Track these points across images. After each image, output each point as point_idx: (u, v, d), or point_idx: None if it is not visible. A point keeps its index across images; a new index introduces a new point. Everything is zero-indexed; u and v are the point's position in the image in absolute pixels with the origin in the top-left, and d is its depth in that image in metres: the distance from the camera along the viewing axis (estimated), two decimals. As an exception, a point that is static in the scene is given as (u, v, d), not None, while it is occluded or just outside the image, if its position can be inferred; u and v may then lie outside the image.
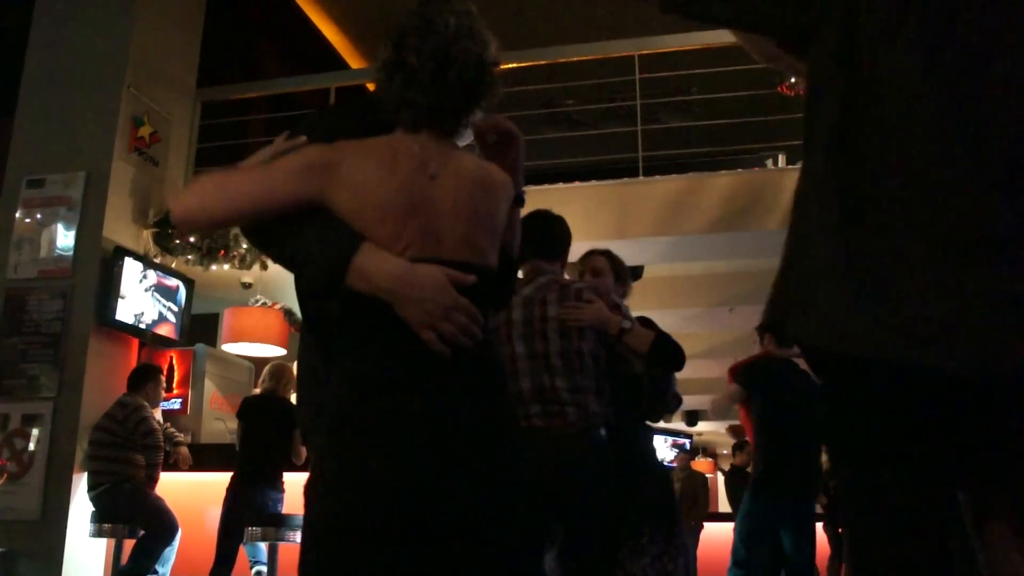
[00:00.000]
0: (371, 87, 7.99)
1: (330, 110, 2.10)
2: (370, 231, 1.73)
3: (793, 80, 5.82)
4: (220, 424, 7.48)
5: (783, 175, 7.08)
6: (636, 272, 7.49)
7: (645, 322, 3.58)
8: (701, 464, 15.11)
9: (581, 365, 3.15)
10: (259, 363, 7.30)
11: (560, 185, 6.93)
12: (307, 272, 1.77)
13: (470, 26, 1.85)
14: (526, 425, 3.01)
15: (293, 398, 6.54)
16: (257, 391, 6.53)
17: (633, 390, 3.51)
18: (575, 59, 7.92)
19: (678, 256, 7.59)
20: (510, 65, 7.72)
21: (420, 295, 1.70)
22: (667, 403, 3.72)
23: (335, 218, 1.74)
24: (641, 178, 7.18)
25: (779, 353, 5.32)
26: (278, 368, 6.40)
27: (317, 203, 1.74)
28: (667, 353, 3.38)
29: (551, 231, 3.46)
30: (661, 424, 14.60)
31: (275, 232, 1.78)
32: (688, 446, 15.98)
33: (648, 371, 3.46)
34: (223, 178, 1.79)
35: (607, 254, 3.90)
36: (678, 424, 15.71)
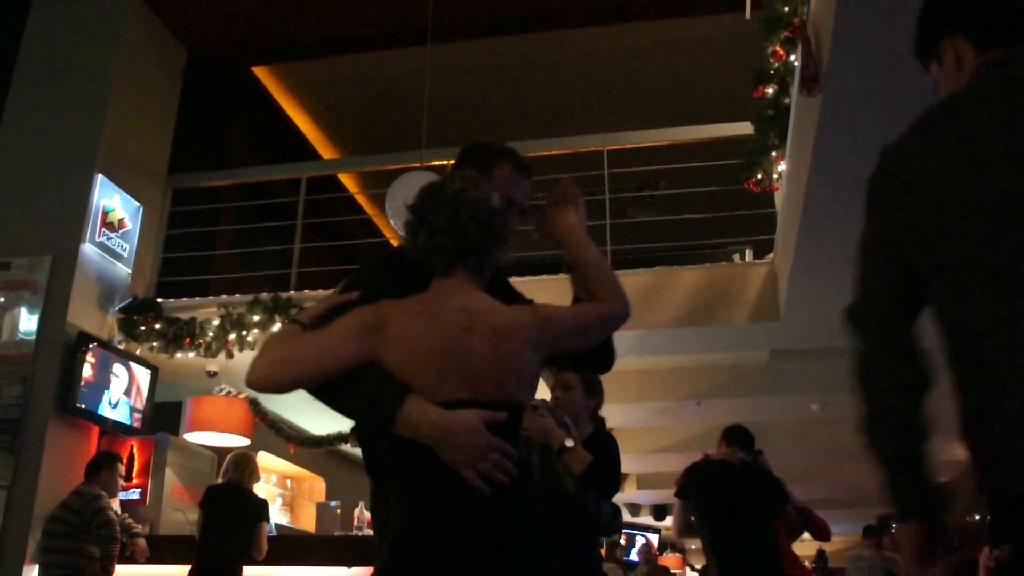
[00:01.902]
0: (342, 179, 8.00)
1: (373, 263, 2.31)
2: (415, 381, 1.94)
3: (760, 176, 5.91)
4: (180, 515, 7.31)
5: (750, 269, 7.15)
6: (604, 365, 7.51)
7: (606, 438, 3.66)
8: (669, 560, 14.92)
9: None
10: (222, 453, 7.18)
11: (528, 278, 6.95)
12: (362, 423, 2.08)
13: (474, 182, 2.10)
14: None
15: (256, 489, 6.44)
16: (220, 480, 6.41)
17: (563, 509, 3.53)
18: (544, 153, 8.02)
19: (646, 349, 7.60)
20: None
21: (459, 440, 1.88)
22: (602, 527, 3.74)
23: (385, 372, 1.95)
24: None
25: (722, 456, 5.33)
26: (241, 458, 6.30)
27: (369, 359, 1.96)
28: (596, 479, 3.46)
29: None
30: (628, 518, 14.45)
31: (335, 388, 1.98)
32: (656, 541, 15.80)
33: (578, 493, 3.49)
34: (288, 344, 2.02)
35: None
36: (645, 518, 15.58)
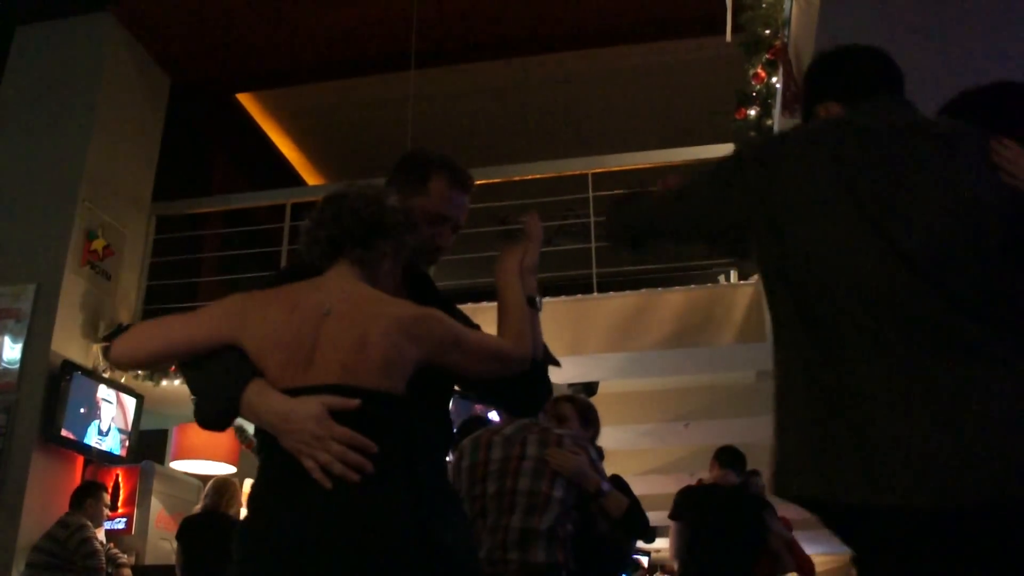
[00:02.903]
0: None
1: (283, 268, 2.33)
2: (265, 367, 1.91)
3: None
4: (166, 544, 7.25)
5: (735, 291, 7.16)
6: (591, 388, 7.50)
7: (618, 481, 3.66)
8: (659, 582, 14.85)
9: (545, 508, 3.16)
10: (208, 481, 7.13)
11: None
12: (201, 407, 1.98)
13: (370, 185, 2.13)
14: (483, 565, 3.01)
15: (242, 514, 6.37)
16: (197, 508, 6.34)
17: (595, 548, 3.53)
18: (529, 177, 8.04)
19: (632, 372, 7.61)
20: (465, 182, 7.81)
21: (295, 426, 1.81)
22: (624, 566, 3.76)
23: (240, 356, 1.92)
24: (595, 295, 7.24)
25: (714, 479, 5.35)
26: (221, 483, 6.25)
27: (232, 343, 1.94)
28: (638, 523, 3.47)
29: None
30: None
31: (189, 367, 2.00)
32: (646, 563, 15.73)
33: (613, 535, 3.49)
34: (154, 324, 2.05)
35: (572, 400, 3.95)
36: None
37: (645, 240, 2.14)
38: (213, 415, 1.96)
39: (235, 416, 1.91)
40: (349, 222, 2.03)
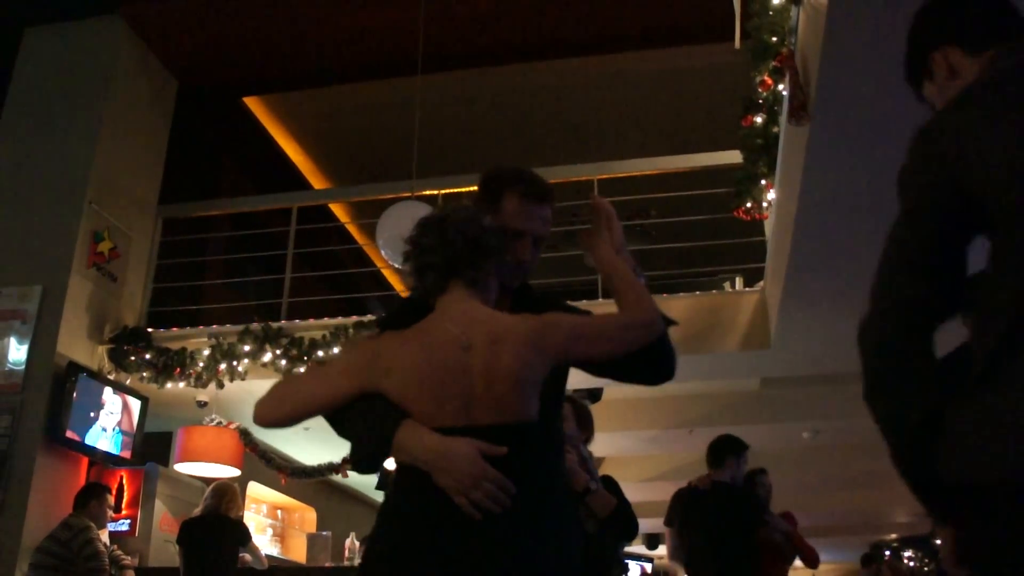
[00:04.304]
0: (333, 208, 8.00)
1: (394, 307, 2.39)
2: (413, 408, 1.97)
3: (749, 204, 5.93)
4: (170, 547, 7.24)
5: (740, 297, 7.16)
6: (595, 394, 7.49)
7: (609, 481, 3.61)
8: (662, 589, 14.86)
9: None
10: (213, 483, 7.14)
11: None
12: (356, 451, 2.06)
13: (464, 208, 2.16)
14: None
15: (247, 519, 6.38)
16: (198, 511, 6.35)
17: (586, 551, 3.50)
18: (535, 182, 8.04)
19: (637, 378, 7.59)
20: (471, 188, 7.82)
21: (452, 467, 1.90)
22: (611, 568, 3.71)
23: (384, 401, 2.00)
24: (600, 300, 7.22)
25: (713, 477, 5.33)
26: (221, 486, 6.26)
27: (370, 391, 2.01)
28: (624, 523, 3.45)
29: None
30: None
31: (338, 418, 2.08)
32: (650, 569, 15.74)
33: (599, 534, 3.46)
34: (289, 382, 2.19)
35: (571, 401, 3.92)
36: (639, 547, 15.51)
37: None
38: (367, 457, 2.05)
39: (387, 457, 2.01)
40: (460, 245, 2.07)
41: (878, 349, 1.55)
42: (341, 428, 2.09)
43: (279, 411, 2.08)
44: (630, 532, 3.50)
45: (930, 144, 1.56)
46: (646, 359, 2.14)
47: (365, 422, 2.01)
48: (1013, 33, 1.68)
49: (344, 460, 7.80)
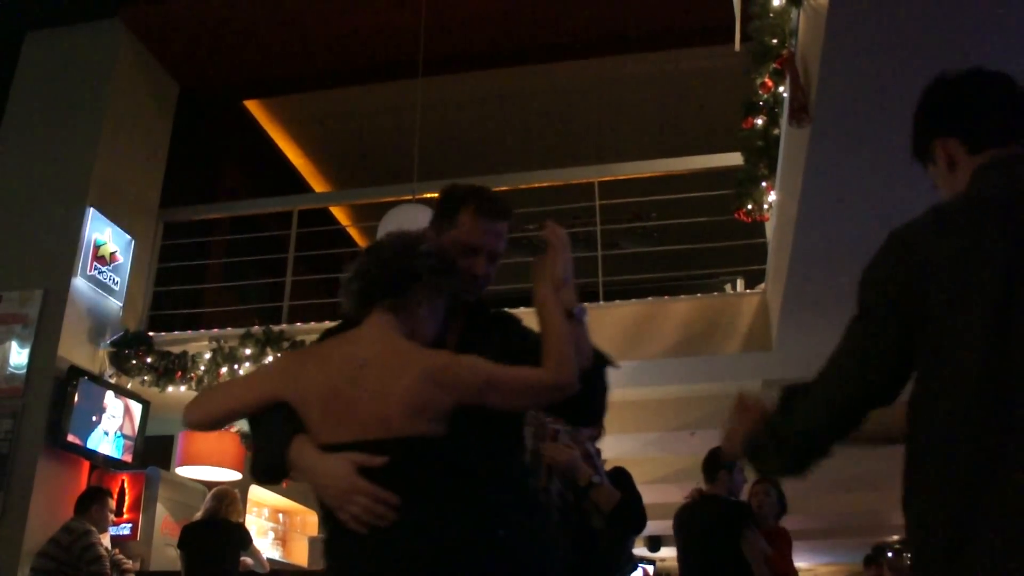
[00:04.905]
0: (334, 212, 8.01)
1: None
2: (309, 421, 2.02)
3: (750, 206, 5.94)
4: (171, 551, 7.24)
5: (741, 300, 7.15)
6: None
7: (621, 474, 3.60)
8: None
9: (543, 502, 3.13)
10: (214, 487, 7.13)
11: (521, 309, 6.94)
12: (255, 464, 2.13)
13: (406, 233, 2.22)
14: None
15: (248, 523, 6.37)
16: (198, 515, 6.35)
17: (590, 543, 3.48)
18: (536, 185, 8.04)
19: (638, 380, 7.59)
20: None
21: (325, 483, 1.96)
22: (620, 563, 3.70)
23: (290, 413, 2.04)
24: (601, 303, 7.23)
25: (705, 492, 5.30)
26: (221, 491, 6.26)
27: (282, 399, 2.05)
28: (630, 516, 3.42)
29: None
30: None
31: (252, 425, 2.15)
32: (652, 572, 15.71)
33: (607, 529, 3.44)
34: (218, 389, 2.31)
35: None
36: (640, 550, 15.49)
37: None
38: (264, 471, 2.11)
39: (284, 473, 2.04)
40: (377, 272, 2.12)
41: (804, 434, 1.70)
42: (254, 436, 2.16)
43: (197, 414, 2.17)
44: (637, 525, 3.48)
45: (899, 252, 1.58)
46: (569, 402, 2.15)
47: (267, 435, 2.08)
48: (1018, 134, 1.65)
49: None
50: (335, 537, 2.02)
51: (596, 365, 2.23)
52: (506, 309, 2.47)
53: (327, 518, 2.03)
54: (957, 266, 1.48)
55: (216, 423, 2.19)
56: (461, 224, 2.26)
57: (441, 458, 1.98)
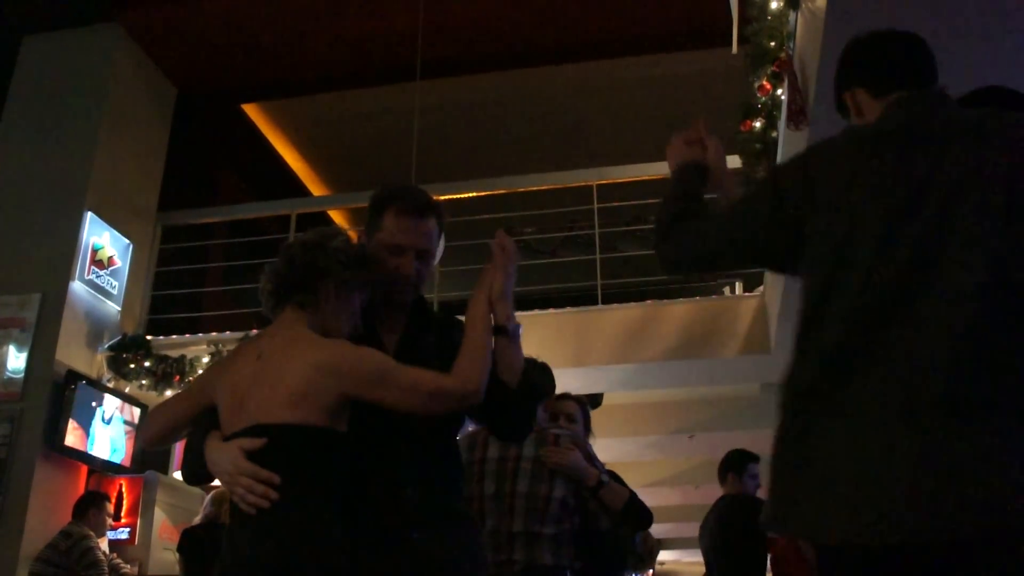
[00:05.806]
0: (332, 215, 8.01)
1: None
2: (222, 417, 2.10)
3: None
4: (170, 555, 7.23)
5: (739, 303, 7.15)
6: (595, 400, 7.48)
7: (613, 477, 3.61)
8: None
9: (545, 510, 3.12)
10: (212, 491, 7.12)
11: (518, 313, 6.93)
12: (183, 466, 2.21)
13: (318, 231, 2.29)
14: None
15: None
16: (198, 519, 6.34)
17: (597, 545, 3.48)
18: (534, 188, 8.05)
19: (637, 384, 7.59)
20: (470, 194, 7.82)
21: (219, 468, 2.03)
22: (627, 561, 3.71)
23: (213, 417, 2.13)
24: (599, 306, 7.23)
25: (727, 491, 5.33)
26: (219, 495, 6.25)
27: (210, 406, 2.16)
28: (638, 514, 3.41)
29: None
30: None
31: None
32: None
33: (615, 528, 3.44)
34: (162, 405, 2.29)
35: (579, 400, 3.91)
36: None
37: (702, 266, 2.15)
38: (190, 472, 2.19)
39: (205, 472, 2.11)
40: (285, 270, 2.19)
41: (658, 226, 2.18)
42: (186, 442, 2.23)
43: (145, 434, 2.30)
44: (644, 521, 3.48)
45: (806, 157, 1.89)
46: (494, 415, 2.27)
47: (191, 438, 2.18)
48: (920, 80, 1.90)
49: None
50: (231, 521, 2.08)
51: (525, 387, 2.26)
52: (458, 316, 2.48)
53: (232, 506, 2.09)
54: (843, 177, 1.75)
55: (164, 440, 2.28)
56: (385, 226, 2.32)
57: (311, 447, 2.02)
